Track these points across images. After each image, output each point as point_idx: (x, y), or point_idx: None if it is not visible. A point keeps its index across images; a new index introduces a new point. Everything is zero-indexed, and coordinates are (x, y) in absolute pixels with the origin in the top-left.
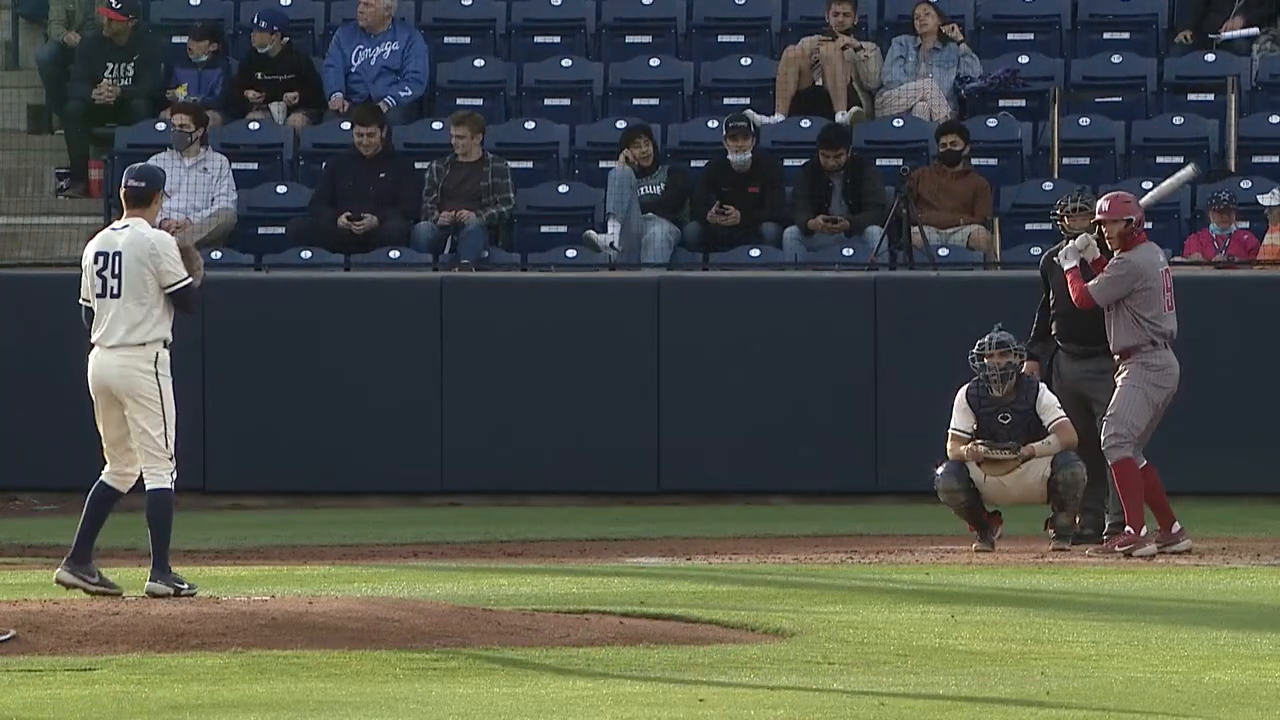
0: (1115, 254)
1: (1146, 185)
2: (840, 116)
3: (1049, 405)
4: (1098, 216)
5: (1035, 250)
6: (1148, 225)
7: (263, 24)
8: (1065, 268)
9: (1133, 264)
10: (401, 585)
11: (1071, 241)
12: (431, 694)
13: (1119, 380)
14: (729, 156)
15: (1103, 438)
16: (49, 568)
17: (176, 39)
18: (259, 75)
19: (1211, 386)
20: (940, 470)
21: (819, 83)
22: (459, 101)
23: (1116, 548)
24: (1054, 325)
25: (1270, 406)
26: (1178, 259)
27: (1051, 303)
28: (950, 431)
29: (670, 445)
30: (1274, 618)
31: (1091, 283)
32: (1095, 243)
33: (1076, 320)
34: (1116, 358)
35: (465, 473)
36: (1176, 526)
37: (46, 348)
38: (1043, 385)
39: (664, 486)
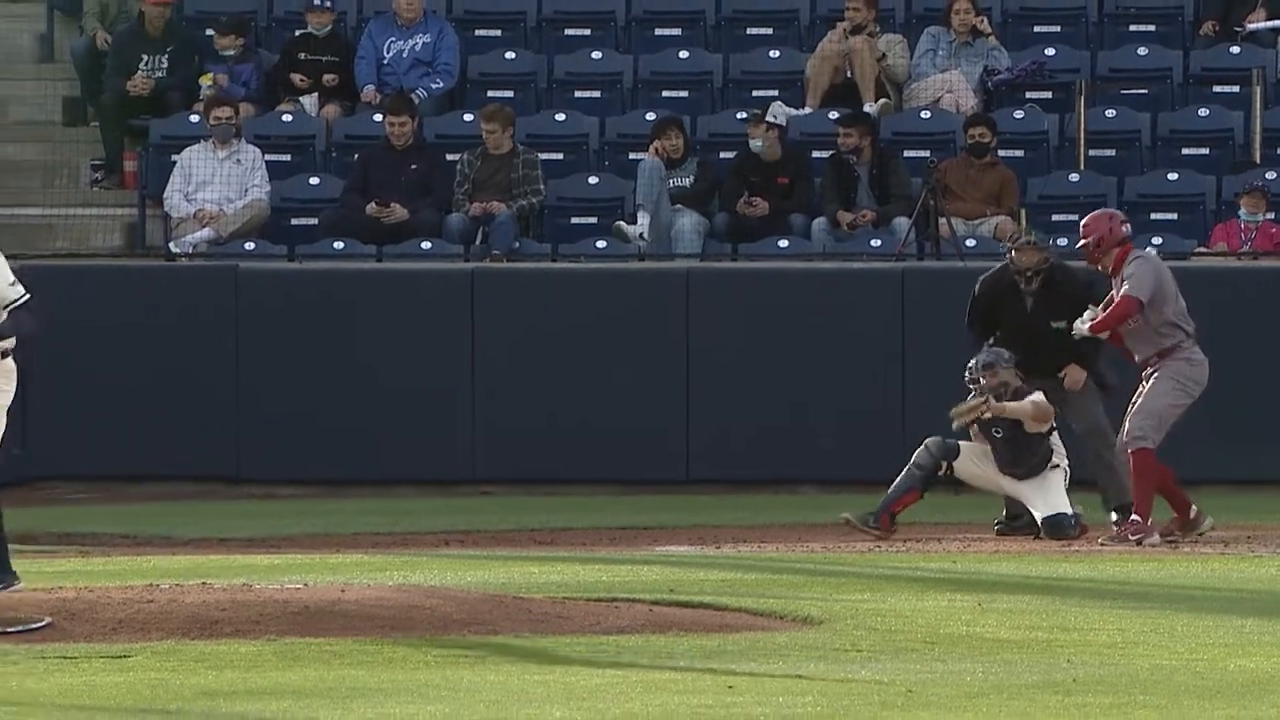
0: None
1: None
2: (868, 108)
3: (1037, 396)
4: (1080, 243)
5: (1063, 241)
6: (1171, 217)
7: (317, 1)
8: (1087, 327)
9: (1144, 259)
10: (433, 573)
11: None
12: (463, 681)
13: (1153, 376)
14: (750, 145)
15: (1126, 428)
16: (85, 556)
17: (209, 32)
18: (302, 56)
19: (1237, 377)
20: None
21: (850, 75)
22: (490, 94)
23: (1129, 535)
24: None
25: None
26: (1202, 249)
27: (996, 335)
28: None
29: (699, 434)
30: None
31: (1125, 290)
32: (1099, 309)
33: (1035, 346)
34: (1148, 366)
35: (496, 462)
36: (1194, 511)
37: (80, 337)
38: (1036, 391)
39: (693, 475)
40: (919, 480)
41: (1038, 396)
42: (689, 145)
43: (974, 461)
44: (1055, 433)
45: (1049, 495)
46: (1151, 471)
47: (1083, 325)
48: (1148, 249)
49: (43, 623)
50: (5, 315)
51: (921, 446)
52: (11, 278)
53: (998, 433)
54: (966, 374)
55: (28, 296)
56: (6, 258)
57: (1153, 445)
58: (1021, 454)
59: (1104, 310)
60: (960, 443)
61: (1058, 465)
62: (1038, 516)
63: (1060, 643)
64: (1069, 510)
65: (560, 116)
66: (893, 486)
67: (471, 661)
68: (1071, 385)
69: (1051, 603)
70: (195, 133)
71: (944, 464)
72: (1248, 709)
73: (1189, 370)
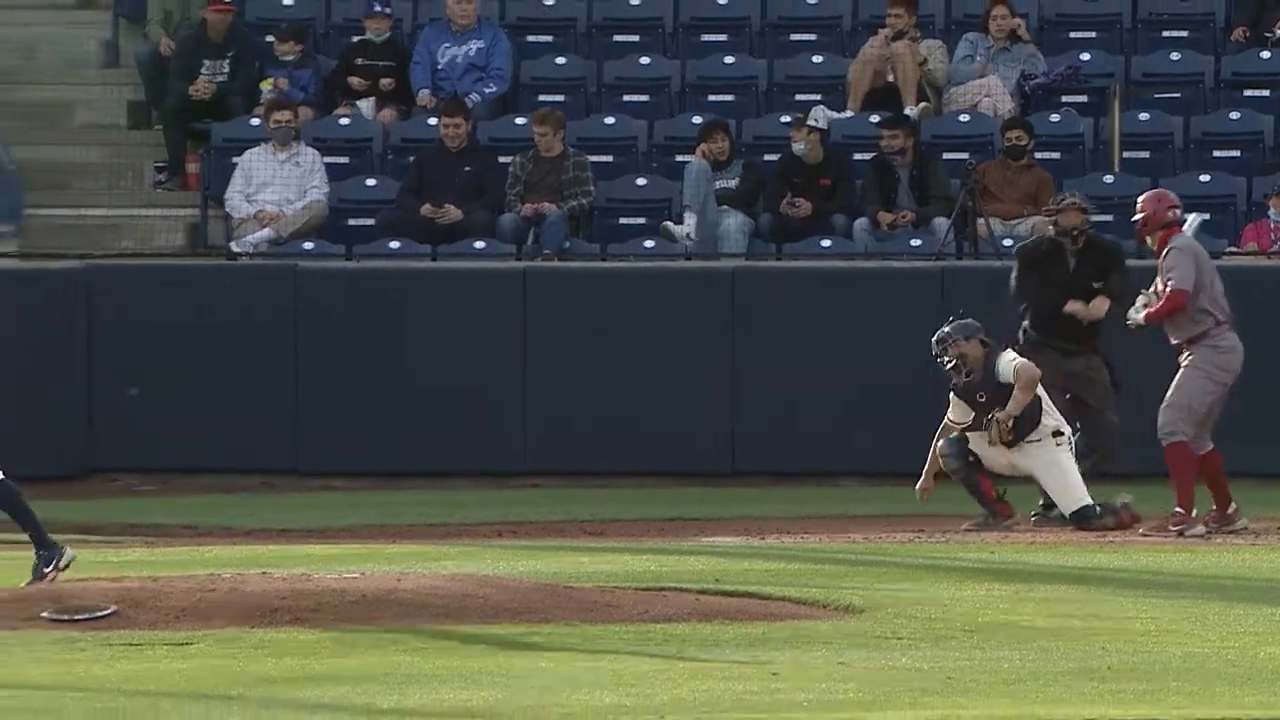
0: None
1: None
2: (909, 111)
3: (1005, 368)
4: (1136, 215)
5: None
6: (1205, 216)
7: (377, 8)
8: (1140, 318)
9: (1180, 246)
10: (485, 563)
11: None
12: (514, 667)
13: (1182, 364)
14: (793, 148)
15: (1159, 423)
16: (149, 546)
17: (269, 38)
18: (359, 61)
19: (1268, 373)
20: (941, 442)
21: (891, 79)
22: (541, 98)
23: (1170, 526)
24: (1037, 321)
25: None
26: (1233, 249)
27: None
28: (944, 424)
29: (744, 429)
30: None
31: (1170, 283)
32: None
33: (1061, 316)
34: (1182, 349)
35: (546, 455)
36: (1233, 507)
37: (145, 334)
38: (1004, 353)
39: (738, 469)
40: (971, 474)
41: (1011, 370)
42: (734, 148)
43: (982, 446)
44: (1043, 393)
45: (1066, 484)
46: (1188, 463)
47: (1138, 315)
48: (1185, 229)
49: (109, 611)
50: None
51: (940, 457)
52: None
53: (981, 398)
54: (933, 348)
55: None
56: (78, 257)
57: (1185, 438)
58: (1007, 392)
59: (1156, 298)
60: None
61: (1060, 433)
62: (1063, 510)
63: (1096, 631)
64: (1088, 500)
65: (609, 120)
66: (969, 491)
67: (523, 649)
68: (1094, 312)
69: (1087, 592)
70: (256, 136)
71: (969, 455)
72: (1278, 695)
73: (1216, 358)
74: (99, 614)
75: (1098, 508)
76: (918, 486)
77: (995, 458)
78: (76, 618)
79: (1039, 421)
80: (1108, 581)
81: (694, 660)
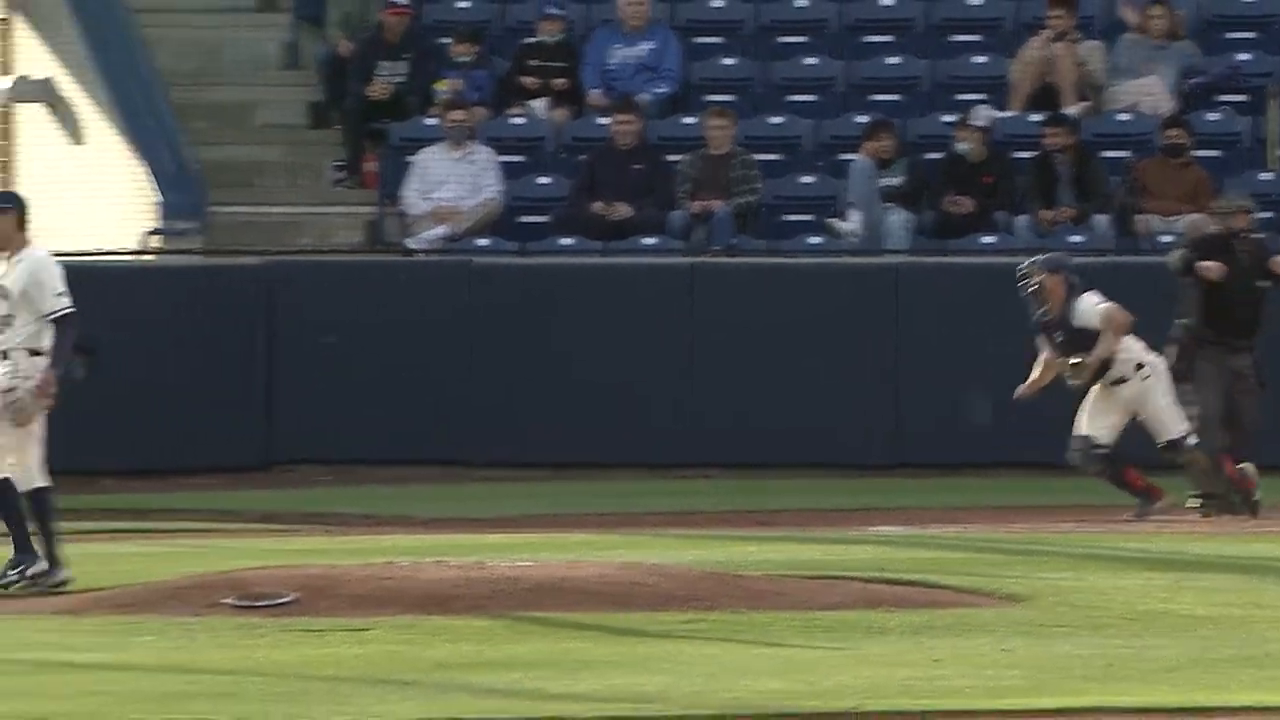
0: None
1: None
2: (1070, 110)
3: (1086, 310)
4: None
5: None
6: None
7: (550, 10)
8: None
9: None
10: (654, 552)
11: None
12: (683, 654)
13: None
14: (956, 147)
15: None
16: (328, 534)
17: (445, 40)
18: (533, 62)
19: None
20: (1076, 453)
21: (1051, 79)
22: (709, 98)
23: None
24: (1208, 316)
25: None
26: None
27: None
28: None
29: (908, 424)
30: None
31: None
32: None
33: (1234, 308)
34: None
35: (714, 447)
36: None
37: (325, 328)
38: (1086, 294)
39: (904, 460)
40: (1116, 470)
41: (1097, 313)
42: (899, 146)
43: (1103, 421)
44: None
45: (1160, 415)
46: None
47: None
48: None
49: (289, 598)
50: (49, 328)
51: (1078, 464)
52: (61, 287)
53: (1059, 337)
54: (1020, 271)
55: (71, 310)
56: (259, 254)
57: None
58: (1084, 335)
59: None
60: (1082, 420)
61: (1141, 365)
62: (1157, 440)
63: (1255, 619)
64: (1181, 431)
65: (776, 119)
66: (1117, 485)
67: (691, 635)
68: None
69: (1246, 580)
70: (431, 135)
71: (1101, 457)
72: None
73: None
74: (280, 601)
75: (1191, 438)
76: (1018, 391)
77: (1122, 419)
78: (258, 604)
79: (1114, 362)
80: (1267, 570)
81: (859, 647)
